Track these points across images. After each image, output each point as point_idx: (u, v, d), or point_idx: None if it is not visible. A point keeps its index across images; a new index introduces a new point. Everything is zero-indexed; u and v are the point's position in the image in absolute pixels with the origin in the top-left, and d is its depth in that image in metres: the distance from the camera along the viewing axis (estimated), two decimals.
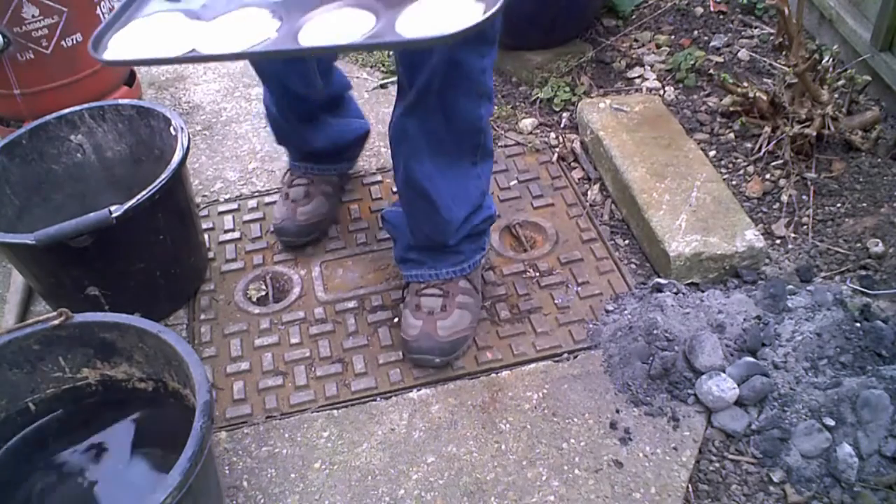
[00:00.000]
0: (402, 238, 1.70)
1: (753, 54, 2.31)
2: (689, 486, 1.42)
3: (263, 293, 1.83)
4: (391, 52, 2.17)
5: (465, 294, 1.66)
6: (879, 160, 1.94)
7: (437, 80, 1.41)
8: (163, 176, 1.57)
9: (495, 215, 1.71)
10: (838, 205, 1.87)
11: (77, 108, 1.79)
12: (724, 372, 1.51)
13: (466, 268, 1.67)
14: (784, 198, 1.89)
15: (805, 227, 1.84)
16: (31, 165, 1.76)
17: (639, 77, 2.31)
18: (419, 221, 1.64)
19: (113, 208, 1.50)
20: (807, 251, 1.79)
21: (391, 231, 1.74)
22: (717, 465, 1.45)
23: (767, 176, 1.96)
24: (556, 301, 1.74)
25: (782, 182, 1.93)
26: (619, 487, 1.41)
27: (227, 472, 1.48)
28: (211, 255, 1.91)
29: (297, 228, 1.87)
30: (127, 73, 2.27)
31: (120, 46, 1.15)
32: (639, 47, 2.42)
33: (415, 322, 1.62)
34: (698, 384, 1.52)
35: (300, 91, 1.76)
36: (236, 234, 1.96)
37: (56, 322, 1.31)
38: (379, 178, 2.08)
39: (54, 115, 1.77)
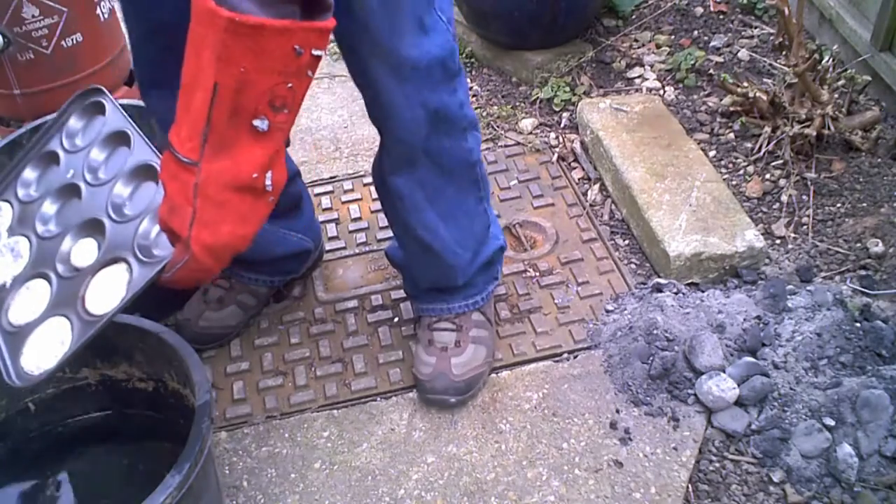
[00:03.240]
0: (409, 273, 1.63)
1: (753, 54, 2.31)
2: (689, 486, 1.42)
3: None
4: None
5: (480, 327, 1.59)
6: (879, 160, 1.94)
7: (420, 132, 1.34)
8: None
9: (504, 245, 1.63)
10: (838, 205, 1.87)
11: None
12: (724, 372, 1.51)
13: (479, 300, 1.60)
14: (784, 198, 1.89)
15: (805, 227, 1.84)
16: None
17: (639, 77, 2.31)
18: (423, 270, 1.58)
19: None
20: (807, 251, 1.79)
21: (397, 267, 1.67)
22: (717, 465, 1.45)
23: (767, 176, 1.95)
24: (556, 301, 1.74)
25: (782, 182, 1.93)
26: (619, 487, 1.41)
27: (227, 472, 1.48)
28: None
29: (194, 335, 1.63)
30: (127, 73, 2.27)
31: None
32: (639, 47, 2.42)
33: (428, 359, 1.55)
34: (698, 384, 1.52)
35: None
36: None
37: None
38: None
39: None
